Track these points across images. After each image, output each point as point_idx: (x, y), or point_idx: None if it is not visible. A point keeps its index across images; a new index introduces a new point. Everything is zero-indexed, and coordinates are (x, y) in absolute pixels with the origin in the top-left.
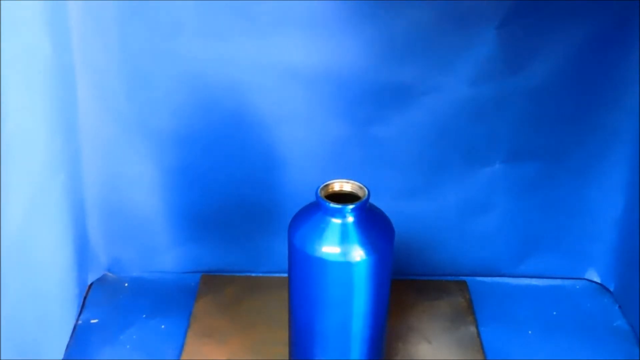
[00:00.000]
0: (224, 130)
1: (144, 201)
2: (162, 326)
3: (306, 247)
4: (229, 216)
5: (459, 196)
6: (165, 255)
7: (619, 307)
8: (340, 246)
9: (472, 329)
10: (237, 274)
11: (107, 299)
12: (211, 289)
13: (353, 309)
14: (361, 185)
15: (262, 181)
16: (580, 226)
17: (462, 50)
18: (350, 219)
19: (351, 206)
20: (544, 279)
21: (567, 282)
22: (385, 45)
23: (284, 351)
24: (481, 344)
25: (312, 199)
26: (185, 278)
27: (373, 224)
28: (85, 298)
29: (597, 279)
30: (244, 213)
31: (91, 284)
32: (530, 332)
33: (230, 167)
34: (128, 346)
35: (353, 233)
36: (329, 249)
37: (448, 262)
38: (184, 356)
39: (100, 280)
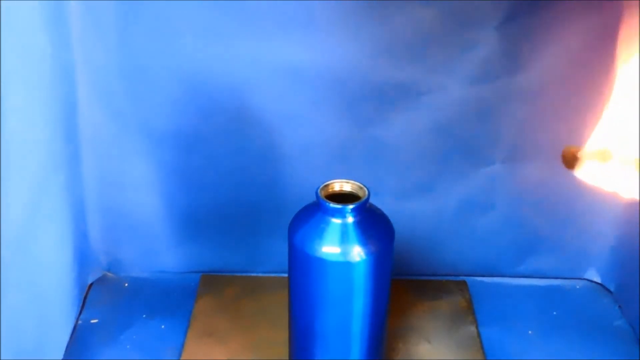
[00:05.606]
0: (224, 130)
1: (143, 201)
2: (162, 326)
3: (306, 247)
4: (229, 216)
5: (459, 196)
6: (165, 255)
7: (619, 307)
8: (340, 246)
9: (472, 329)
10: (237, 274)
11: (107, 299)
12: (211, 289)
13: (353, 309)
14: (361, 185)
15: (262, 181)
16: (580, 226)
17: (462, 50)
18: (350, 219)
19: (351, 206)
20: (544, 279)
21: (567, 282)
22: (385, 45)
23: (284, 351)
24: (481, 344)
25: (312, 199)
26: (185, 278)
27: (373, 224)
28: (85, 298)
29: (597, 279)
30: (244, 213)
31: (91, 284)
32: (530, 332)
33: (230, 167)
34: (128, 346)
35: (353, 233)
36: (329, 249)
37: (448, 262)
38: (184, 356)
39: (100, 280)
